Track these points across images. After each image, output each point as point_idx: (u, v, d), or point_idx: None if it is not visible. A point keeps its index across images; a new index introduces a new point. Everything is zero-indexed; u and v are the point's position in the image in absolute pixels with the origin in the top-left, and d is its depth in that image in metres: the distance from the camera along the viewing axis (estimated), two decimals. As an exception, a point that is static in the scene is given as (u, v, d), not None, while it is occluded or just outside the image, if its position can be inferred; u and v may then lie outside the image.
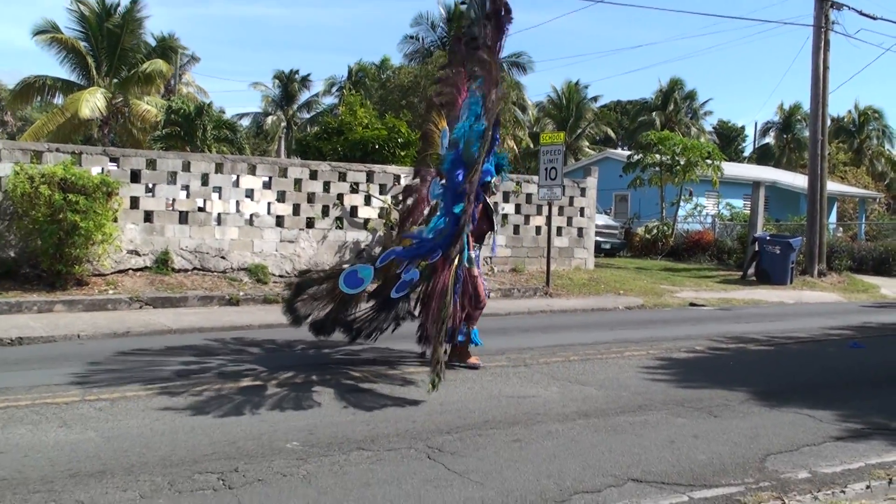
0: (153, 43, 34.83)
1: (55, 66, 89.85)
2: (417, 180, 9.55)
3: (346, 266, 8.64)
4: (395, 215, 14.68)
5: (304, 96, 55.60)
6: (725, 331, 12.22)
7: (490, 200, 8.86)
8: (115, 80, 32.42)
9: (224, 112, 45.29)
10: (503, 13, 8.18)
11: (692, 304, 16.32)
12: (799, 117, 56.79)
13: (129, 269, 13.74)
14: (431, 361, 6.96)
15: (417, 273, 8.05)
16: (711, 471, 5.22)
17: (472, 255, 8.31)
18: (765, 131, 62.95)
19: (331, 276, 8.42)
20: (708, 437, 6.02)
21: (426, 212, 9.22)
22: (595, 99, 55.18)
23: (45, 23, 30.61)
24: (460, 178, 8.08)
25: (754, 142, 64.25)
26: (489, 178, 8.38)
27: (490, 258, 17.56)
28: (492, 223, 8.81)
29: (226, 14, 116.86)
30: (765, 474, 5.22)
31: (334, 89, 51.99)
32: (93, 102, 28.75)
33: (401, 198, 10.51)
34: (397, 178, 16.48)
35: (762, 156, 60.38)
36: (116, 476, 4.76)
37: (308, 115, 53.52)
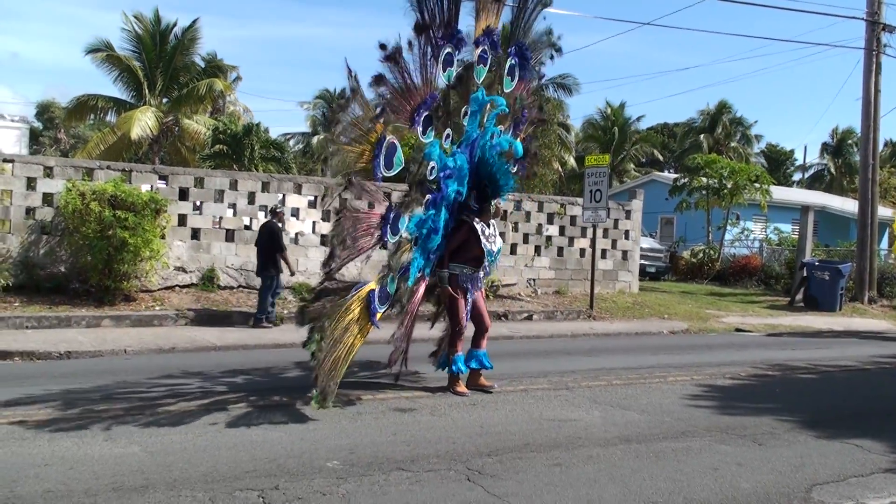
0: (201, 63, 35.20)
1: (105, 85, 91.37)
2: None
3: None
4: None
5: (347, 115, 55.55)
6: (771, 357, 12.02)
7: (504, 222, 8.50)
8: (166, 100, 32.90)
9: (268, 131, 45.66)
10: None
11: (738, 330, 16.10)
12: (851, 141, 55.79)
13: (176, 285, 13.94)
14: (314, 377, 6.85)
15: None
16: (755, 500, 5.12)
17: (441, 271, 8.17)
18: (814, 156, 62.02)
19: (348, 287, 8.08)
20: (752, 465, 5.91)
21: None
22: (639, 119, 54.77)
23: (99, 41, 31.01)
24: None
25: (803, 166, 63.34)
26: (462, 198, 8.18)
27: (534, 280, 17.51)
28: (481, 248, 8.15)
29: (267, 35, 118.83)
30: (810, 505, 5.12)
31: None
32: (143, 122, 29.09)
33: None
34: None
35: (812, 180, 59.50)
36: (159, 491, 4.82)
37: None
